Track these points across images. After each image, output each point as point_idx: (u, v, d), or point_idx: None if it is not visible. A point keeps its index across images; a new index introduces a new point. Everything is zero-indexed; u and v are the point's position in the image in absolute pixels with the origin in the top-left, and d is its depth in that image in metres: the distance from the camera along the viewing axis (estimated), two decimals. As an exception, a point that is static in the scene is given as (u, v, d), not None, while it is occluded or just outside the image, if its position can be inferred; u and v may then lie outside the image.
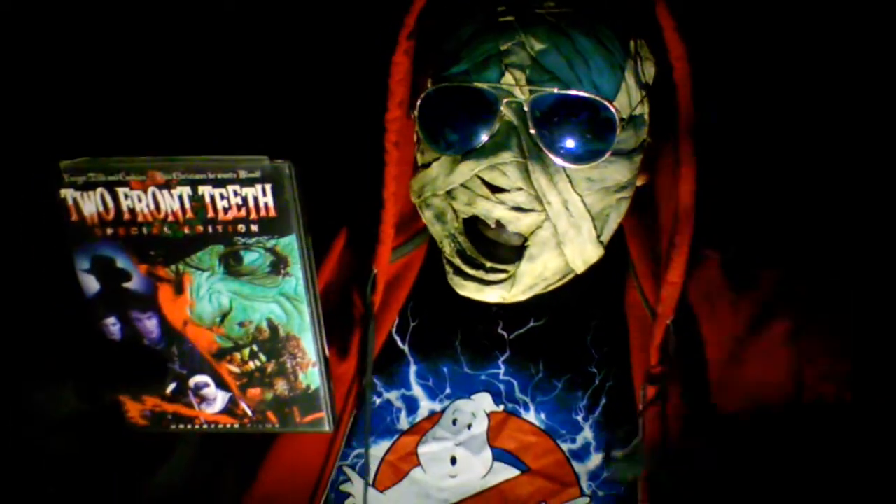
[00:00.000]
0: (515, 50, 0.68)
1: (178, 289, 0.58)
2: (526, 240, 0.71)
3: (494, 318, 0.78)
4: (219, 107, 1.01)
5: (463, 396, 0.77)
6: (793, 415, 0.69)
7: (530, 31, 0.68)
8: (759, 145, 0.96)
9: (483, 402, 0.76)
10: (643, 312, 0.76)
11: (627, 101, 0.69)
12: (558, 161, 0.67)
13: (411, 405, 0.77)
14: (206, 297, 0.58)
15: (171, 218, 0.55)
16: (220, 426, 0.62)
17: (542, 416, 0.75)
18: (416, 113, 0.71)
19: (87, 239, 0.56)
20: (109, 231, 0.56)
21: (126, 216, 0.55)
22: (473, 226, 0.73)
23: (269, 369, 0.60)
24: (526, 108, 0.67)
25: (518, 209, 0.69)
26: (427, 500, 0.75)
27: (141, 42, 1.02)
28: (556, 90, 0.66)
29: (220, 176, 0.54)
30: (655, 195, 0.76)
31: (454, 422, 0.76)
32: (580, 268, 0.72)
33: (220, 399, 0.61)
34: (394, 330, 0.80)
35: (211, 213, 0.55)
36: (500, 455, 0.75)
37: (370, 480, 0.76)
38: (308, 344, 0.59)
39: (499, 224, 0.70)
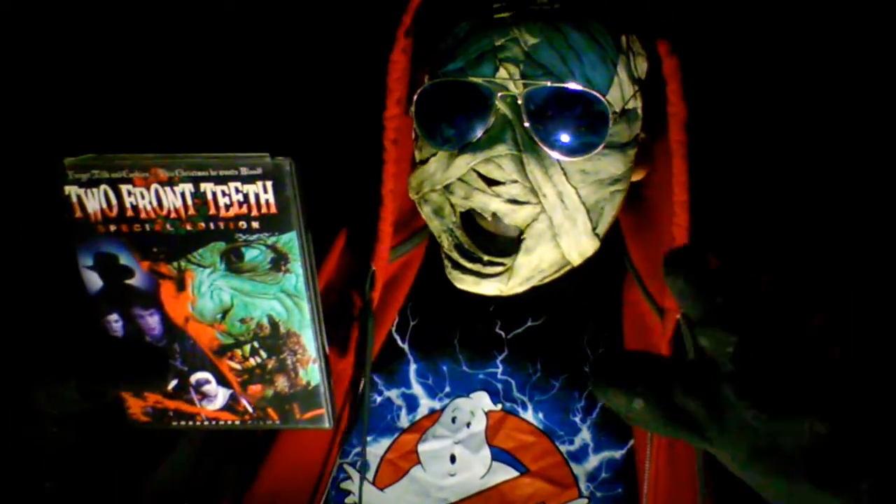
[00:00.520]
0: (509, 45, 0.69)
1: (180, 285, 0.58)
2: (522, 232, 0.72)
3: (492, 317, 0.79)
4: (218, 105, 1.02)
5: (462, 395, 0.77)
6: None
7: (524, 26, 0.69)
8: (756, 140, 0.97)
9: (481, 401, 0.77)
10: (641, 312, 0.76)
11: (620, 94, 0.70)
12: (553, 154, 0.68)
13: (411, 403, 0.78)
14: (207, 294, 0.59)
15: (173, 215, 0.56)
16: (221, 423, 0.63)
17: (540, 415, 0.76)
18: (412, 109, 0.72)
19: (90, 236, 0.57)
20: (112, 228, 0.56)
21: (129, 213, 0.56)
22: (471, 220, 0.74)
23: (269, 366, 0.61)
24: (520, 102, 0.68)
25: (514, 202, 0.70)
26: (427, 499, 0.75)
27: (142, 40, 1.03)
28: (549, 83, 0.67)
29: (221, 173, 0.55)
30: (654, 192, 0.76)
31: (453, 420, 0.76)
32: (576, 260, 0.73)
33: (221, 396, 0.62)
34: (394, 329, 0.80)
35: (213, 210, 0.56)
36: (499, 454, 0.75)
37: (370, 478, 0.76)
38: (308, 340, 0.60)
39: (495, 217, 0.71)
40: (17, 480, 0.58)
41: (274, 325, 0.60)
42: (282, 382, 0.62)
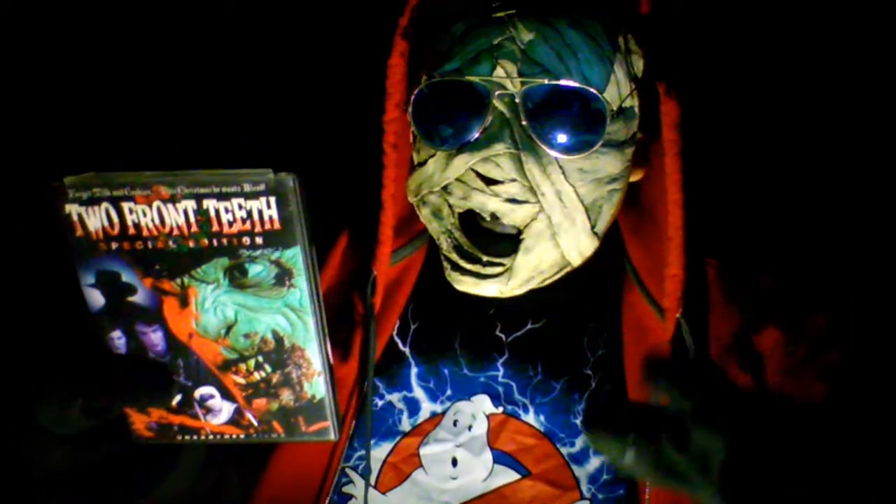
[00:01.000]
0: (506, 44, 0.69)
1: (184, 302, 0.58)
2: (521, 232, 0.72)
3: (493, 320, 0.79)
4: (218, 108, 1.01)
5: (463, 398, 0.77)
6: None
7: (520, 25, 0.69)
8: (752, 139, 0.97)
9: (482, 404, 0.77)
10: (640, 313, 0.77)
11: (617, 93, 0.70)
12: (551, 152, 0.68)
13: (413, 407, 0.78)
14: (211, 310, 0.58)
15: (175, 232, 0.56)
16: (226, 437, 0.63)
17: (542, 417, 0.76)
18: (409, 109, 0.72)
19: (92, 254, 0.56)
20: (114, 246, 0.56)
21: (131, 231, 0.55)
22: (469, 221, 0.73)
23: (274, 380, 0.61)
24: (517, 100, 0.68)
25: (512, 201, 0.70)
26: (429, 503, 0.76)
27: (140, 49, 1.01)
28: (546, 81, 0.67)
29: (224, 189, 0.54)
30: (651, 192, 0.76)
31: (455, 423, 0.77)
32: (576, 260, 0.73)
33: (225, 410, 0.62)
34: (395, 332, 0.81)
35: (216, 227, 0.55)
36: (500, 457, 0.76)
37: (372, 482, 0.76)
38: (313, 354, 0.60)
39: (493, 217, 0.71)
40: (21, 499, 0.58)
41: (278, 339, 0.59)
42: (287, 396, 0.62)
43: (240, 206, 0.55)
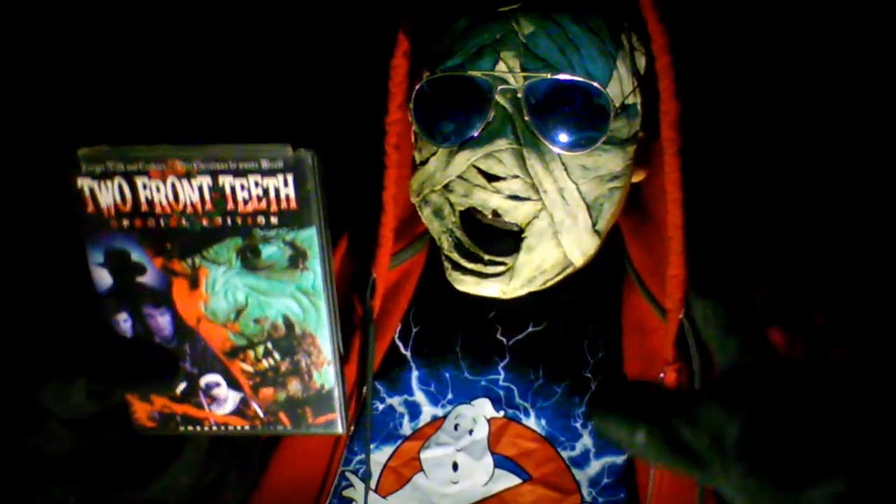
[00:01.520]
0: (508, 39, 0.69)
1: (193, 284, 0.57)
2: (523, 231, 0.71)
3: (493, 324, 0.79)
4: (216, 110, 1.00)
5: (464, 402, 0.77)
6: None
7: (522, 20, 0.69)
8: (753, 138, 0.98)
9: (483, 408, 0.76)
10: (641, 315, 0.77)
11: (619, 89, 0.70)
12: (553, 148, 0.68)
13: (414, 411, 0.77)
14: (221, 293, 0.57)
15: (189, 209, 0.54)
16: (231, 428, 0.61)
17: (543, 421, 0.75)
18: (411, 106, 0.71)
19: (103, 231, 0.55)
20: (126, 223, 0.55)
21: (143, 207, 0.54)
22: (471, 220, 0.73)
23: (282, 368, 0.59)
24: (520, 95, 0.68)
25: (514, 198, 0.69)
26: (429, 507, 0.74)
27: (143, 36, 1.00)
28: (549, 76, 0.67)
29: (241, 165, 0.53)
30: (652, 192, 0.77)
31: (456, 427, 0.76)
32: (578, 260, 0.73)
33: (231, 399, 0.60)
34: (396, 336, 0.80)
35: (231, 205, 0.54)
36: (501, 461, 0.74)
37: (372, 486, 0.75)
38: (324, 341, 0.59)
39: (495, 215, 0.71)
40: (21, 481, 0.56)
41: (289, 325, 0.58)
42: (295, 386, 0.60)
43: (256, 184, 0.54)
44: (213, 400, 0.60)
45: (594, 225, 0.72)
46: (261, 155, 0.53)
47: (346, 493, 0.75)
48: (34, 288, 0.66)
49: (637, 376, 0.75)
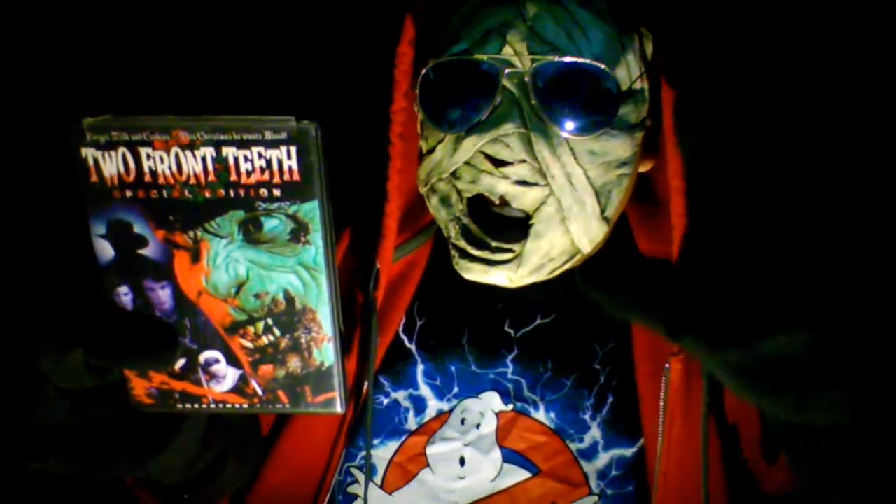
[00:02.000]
0: (515, 23, 0.68)
1: (195, 257, 0.56)
2: (530, 217, 0.70)
3: (501, 316, 0.78)
4: (217, 98, 1.01)
5: (471, 395, 0.75)
6: None
7: (528, 4, 0.69)
8: (759, 130, 0.97)
9: (491, 402, 0.75)
10: None
11: (627, 74, 0.69)
12: (561, 132, 0.67)
13: (419, 405, 0.75)
14: (222, 266, 0.57)
15: (192, 181, 0.54)
16: (229, 406, 0.60)
17: (552, 414, 0.74)
18: (416, 92, 0.71)
19: (106, 202, 0.55)
20: (129, 194, 0.55)
21: (147, 178, 0.54)
22: (478, 207, 0.72)
23: (282, 345, 0.59)
24: (527, 79, 0.67)
25: (522, 183, 0.68)
26: (436, 503, 0.72)
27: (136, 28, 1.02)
28: (556, 58, 0.67)
29: (245, 136, 0.54)
30: (660, 182, 0.76)
31: (462, 421, 0.74)
32: (587, 247, 0.71)
33: (230, 376, 0.59)
34: (400, 329, 0.78)
35: (233, 177, 0.54)
36: (510, 456, 0.73)
37: (378, 482, 0.73)
38: (324, 317, 0.58)
39: (503, 201, 0.70)
40: (18, 450, 0.55)
41: (289, 300, 0.58)
42: (294, 363, 0.60)
43: (259, 155, 0.54)
44: (212, 377, 0.59)
45: (602, 211, 0.71)
46: (265, 126, 0.54)
47: (352, 489, 0.74)
48: (35, 259, 0.66)
49: (647, 367, 0.73)
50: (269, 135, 0.54)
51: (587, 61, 0.67)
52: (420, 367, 0.77)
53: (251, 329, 0.59)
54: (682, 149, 0.67)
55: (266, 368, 0.60)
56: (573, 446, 0.73)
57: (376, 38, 0.75)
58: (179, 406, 0.60)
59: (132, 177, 0.55)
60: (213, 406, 0.60)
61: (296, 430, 0.74)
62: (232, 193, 0.55)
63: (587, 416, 0.74)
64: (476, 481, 0.72)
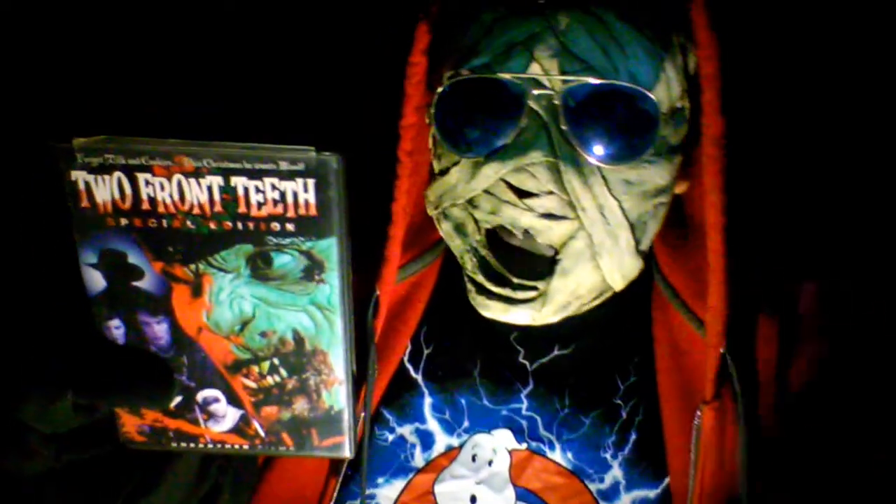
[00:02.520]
0: (543, 36, 0.61)
1: (196, 291, 0.51)
2: (557, 252, 0.64)
3: (515, 346, 0.72)
4: (218, 111, 0.95)
5: (482, 430, 0.70)
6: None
7: (560, 15, 0.61)
8: (798, 154, 0.92)
9: (504, 439, 0.70)
10: (678, 336, 0.70)
11: (667, 93, 0.63)
12: (593, 161, 0.61)
13: (426, 440, 0.70)
14: (226, 302, 0.52)
15: (196, 210, 0.49)
16: (228, 446, 0.56)
17: (569, 454, 0.69)
18: (432, 111, 0.64)
19: (97, 229, 0.50)
20: (123, 221, 0.49)
21: (145, 205, 0.49)
22: (498, 238, 0.66)
23: (289, 386, 0.54)
24: (557, 102, 0.60)
25: (549, 216, 0.62)
26: (444, 544, 0.68)
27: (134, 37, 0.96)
28: (591, 80, 0.60)
29: (257, 167, 0.48)
30: (695, 206, 0.69)
31: (473, 458, 0.69)
32: (619, 284, 0.66)
33: (230, 416, 0.55)
34: (406, 358, 0.73)
35: (243, 208, 0.49)
36: (525, 495, 0.68)
37: None
38: (336, 360, 0.54)
39: (527, 234, 0.64)
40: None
41: (299, 340, 0.53)
42: (301, 405, 0.55)
43: (273, 187, 0.49)
44: (211, 416, 0.55)
45: (637, 245, 0.65)
46: (280, 156, 0.48)
47: None
48: (19, 288, 0.61)
49: (673, 402, 0.68)
50: (284, 165, 0.49)
51: (625, 84, 0.61)
52: (427, 400, 0.72)
53: (255, 368, 0.54)
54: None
55: (270, 410, 0.55)
56: (593, 487, 0.68)
57: (385, 46, 0.68)
58: (173, 445, 0.56)
59: (128, 203, 0.49)
60: (210, 446, 0.56)
61: (288, 463, 0.69)
62: (240, 226, 0.50)
63: (608, 455, 0.69)
64: (487, 522, 0.68)
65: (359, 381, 0.67)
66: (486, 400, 0.71)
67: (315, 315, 0.53)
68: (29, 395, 0.47)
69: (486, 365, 0.72)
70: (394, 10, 0.72)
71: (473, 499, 0.68)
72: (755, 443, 0.63)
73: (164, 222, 0.50)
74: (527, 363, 0.72)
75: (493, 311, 0.66)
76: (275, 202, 0.49)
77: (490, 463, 0.69)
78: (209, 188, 0.49)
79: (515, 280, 0.66)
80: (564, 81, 0.60)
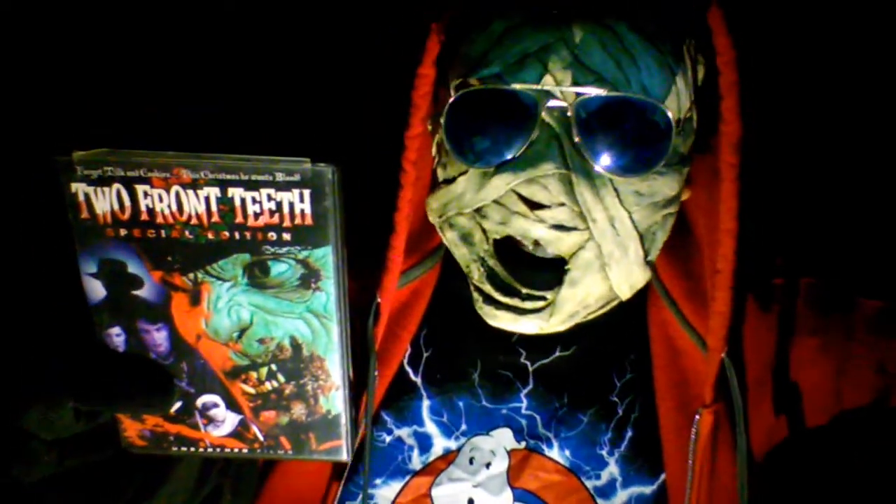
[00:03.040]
0: (556, 48, 0.61)
1: (195, 299, 0.53)
2: (566, 262, 0.65)
3: (516, 348, 0.72)
4: (217, 118, 0.96)
5: (481, 433, 0.71)
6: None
7: (572, 26, 0.61)
8: (813, 160, 0.92)
9: (503, 439, 0.70)
10: (672, 334, 0.70)
11: (677, 104, 0.63)
12: (605, 173, 0.61)
13: (424, 443, 0.71)
14: (224, 310, 0.53)
15: (194, 221, 0.50)
16: (227, 450, 0.57)
17: (567, 452, 0.70)
18: (441, 120, 0.64)
19: (97, 239, 0.51)
20: (123, 232, 0.51)
21: (143, 216, 0.50)
22: (505, 247, 0.66)
23: (286, 391, 0.55)
24: (570, 113, 0.60)
25: (559, 227, 0.62)
26: (441, 547, 0.69)
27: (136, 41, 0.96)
28: (604, 92, 0.60)
29: (254, 178, 0.50)
30: (697, 213, 0.70)
31: (471, 461, 0.70)
32: (626, 293, 0.66)
33: (229, 421, 0.56)
34: (405, 360, 0.74)
35: (239, 219, 0.50)
36: (522, 496, 0.69)
37: None
38: (333, 366, 0.55)
39: (536, 245, 0.64)
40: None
41: (296, 347, 0.54)
42: (299, 410, 0.56)
43: (269, 197, 0.50)
44: (210, 421, 0.56)
45: (646, 256, 0.65)
46: (276, 167, 0.49)
47: None
48: (20, 297, 0.62)
49: (669, 400, 0.69)
50: (280, 176, 0.50)
51: (639, 96, 0.61)
52: (426, 403, 0.72)
53: (253, 374, 0.55)
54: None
55: (268, 414, 0.56)
56: (590, 484, 0.69)
57: (389, 53, 0.69)
58: (174, 449, 0.57)
59: (127, 214, 0.50)
60: (210, 450, 0.57)
61: (290, 466, 0.70)
62: (237, 236, 0.51)
63: (604, 452, 0.70)
64: (484, 524, 0.69)
65: (358, 386, 0.68)
66: (485, 401, 0.72)
67: (312, 322, 0.54)
68: (31, 403, 0.48)
69: (486, 367, 0.73)
70: (397, 16, 0.72)
71: (471, 502, 0.69)
72: (749, 445, 0.64)
73: (163, 232, 0.51)
74: (528, 364, 0.73)
75: (501, 321, 0.67)
76: (271, 212, 0.50)
77: (488, 465, 0.70)
78: (207, 199, 0.50)
79: (524, 290, 0.66)
80: (577, 94, 0.60)
